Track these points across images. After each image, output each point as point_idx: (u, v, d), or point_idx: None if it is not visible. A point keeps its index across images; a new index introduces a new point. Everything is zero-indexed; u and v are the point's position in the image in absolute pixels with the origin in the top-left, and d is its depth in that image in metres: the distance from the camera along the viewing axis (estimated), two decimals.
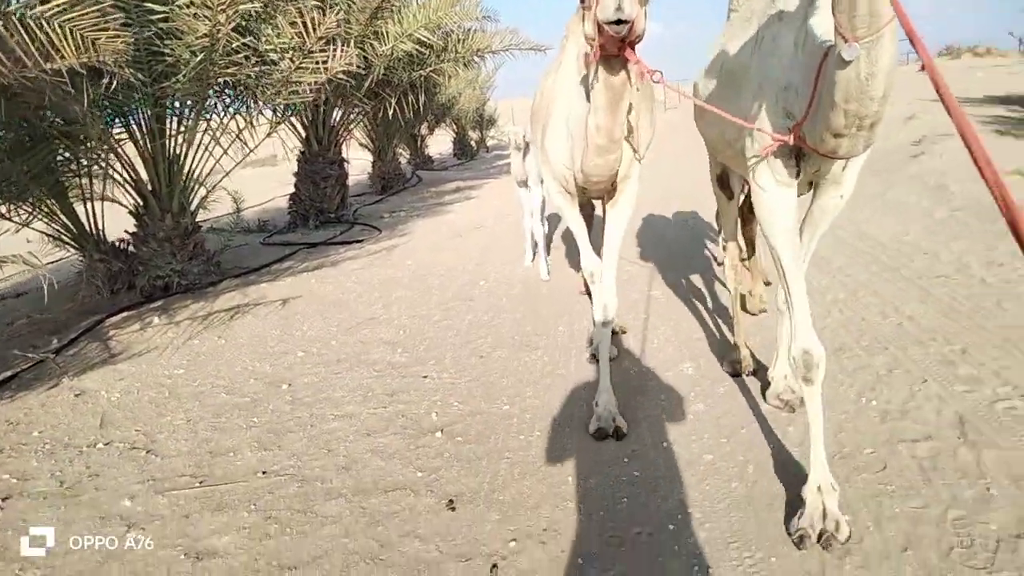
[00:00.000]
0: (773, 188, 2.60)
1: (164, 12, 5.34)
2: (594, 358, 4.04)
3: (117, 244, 6.72)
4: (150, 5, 5.28)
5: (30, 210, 6.21)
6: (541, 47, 11.19)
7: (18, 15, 3.73)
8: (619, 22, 2.29)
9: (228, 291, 6.43)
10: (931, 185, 8.59)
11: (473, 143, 22.18)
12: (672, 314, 4.85)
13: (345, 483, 3.00)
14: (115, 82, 4.85)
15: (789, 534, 2.39)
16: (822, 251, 5.42)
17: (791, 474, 2.76)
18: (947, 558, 2.21)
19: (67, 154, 6.26)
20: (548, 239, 6.67)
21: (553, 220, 7.70)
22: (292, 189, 10.21)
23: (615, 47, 2.52)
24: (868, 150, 2.34)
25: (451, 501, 2.80)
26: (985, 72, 18.27)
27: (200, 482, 3.11)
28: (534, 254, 6.54)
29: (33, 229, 6.37)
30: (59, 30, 3.83)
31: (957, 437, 2.86)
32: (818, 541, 2.31)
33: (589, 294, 4.32)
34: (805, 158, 2.52)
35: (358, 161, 14.03)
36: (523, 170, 6.25)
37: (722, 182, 3.91)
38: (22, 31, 3.76)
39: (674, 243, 7.00)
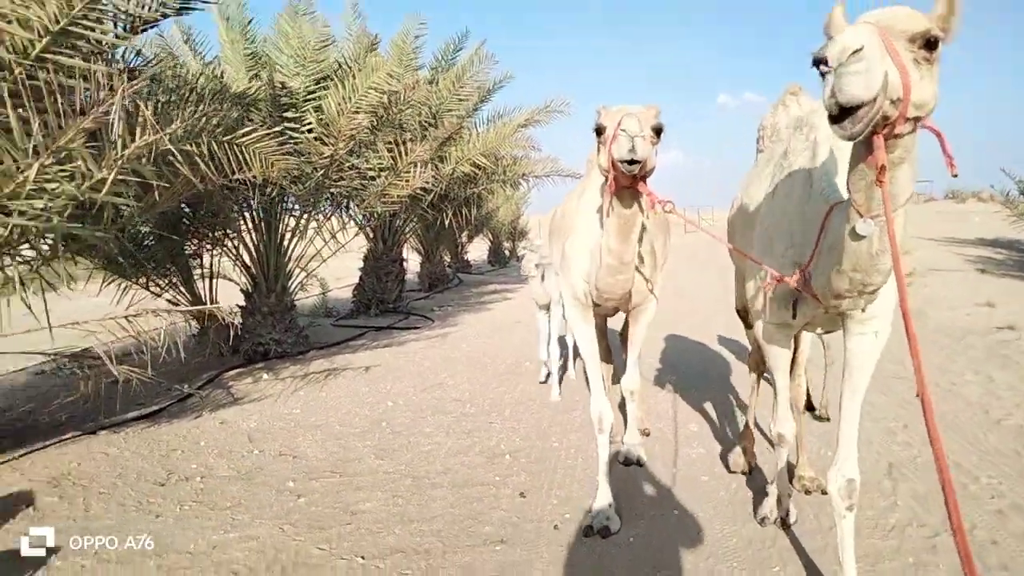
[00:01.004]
0: (764, 325, 2.84)
1: (300, 138, 7.00)
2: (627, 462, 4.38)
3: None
4: (292, 134, 6.95)
5: (163, 284, 7.71)
6: (577, 174, 12.95)
7: (227, 139, 5.32)
8: (632, 162, 2.60)
9: (316, 359, 7.78)
10: (913, 312, 9.87)
11: (507, 251, 24.01)
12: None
13: (444, 480, 4.23)
14: (275, 190, 6.43)
15: None
16: None
17: None
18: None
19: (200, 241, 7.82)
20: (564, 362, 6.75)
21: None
22: (356, 281, 11.78)
23: (627, 180, 2.78)
24: None
25: (522, 493, 4.01)
26: (982, 217, 19.73)
27: (339, 475, 4.35)
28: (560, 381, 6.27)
29: (163, 299, 7.84)
30: (251, 152, 5.43)
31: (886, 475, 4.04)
32: None
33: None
34: (801, 302, 2.63)
35: (407, 263, 15.69)
36: (545, 292, 6.10)
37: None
38: (227, 150, 5.33)
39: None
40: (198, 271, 8.10)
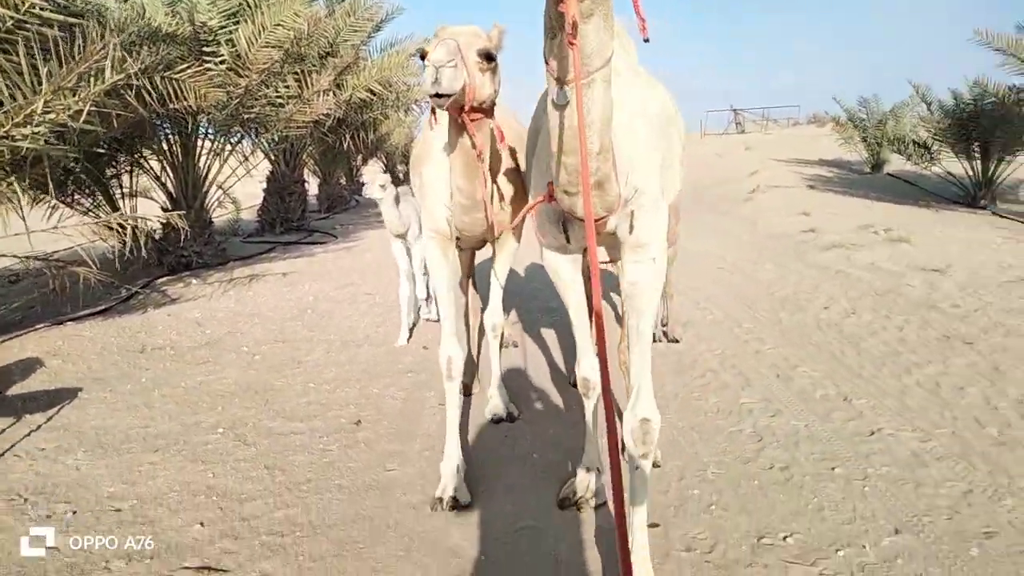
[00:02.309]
0: (547, 252, 2.64)
1: (216, 70, 7.87)
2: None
3: (152, 231, 9.02)
4: (209, 67, 7.81)
5: (89, 204, 8.45)
6: None
7: (161, 75, 6.24)
8: (438, 95, 2.27)
9: (236, 268, 8.86)
10: (746, 219, 12.06)
11: (400, 175, 24.89)
12: None
13: (366, 342, 5.63)
14: (198, 117, 7.35)
15: None
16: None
17: None
18: None
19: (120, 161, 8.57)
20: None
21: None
22: (260, 202, 12.64)
23: (455, 112, 2.51)
24: (643, 217, 2.29)
25: (425, 347, 5.47)
26: (829, 140, 21.99)
27: (282, 342, 5.66)
28: (411, 329, 5.77)
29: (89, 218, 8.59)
30: (187, 85, 6.37)
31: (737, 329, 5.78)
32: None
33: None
34: (571, 224, 2.43)
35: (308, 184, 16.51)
36: (399, 222, 5.56)
37: None
38: (167, 84, 6.27)
39: None
40: (118, 191, 8.86)
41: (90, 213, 8.42)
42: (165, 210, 9.04)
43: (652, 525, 2.80)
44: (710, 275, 7.74)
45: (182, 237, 8.84)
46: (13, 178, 4.81)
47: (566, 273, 2.65)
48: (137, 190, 9.00)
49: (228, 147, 9.15)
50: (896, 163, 16.09)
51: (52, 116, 4.51)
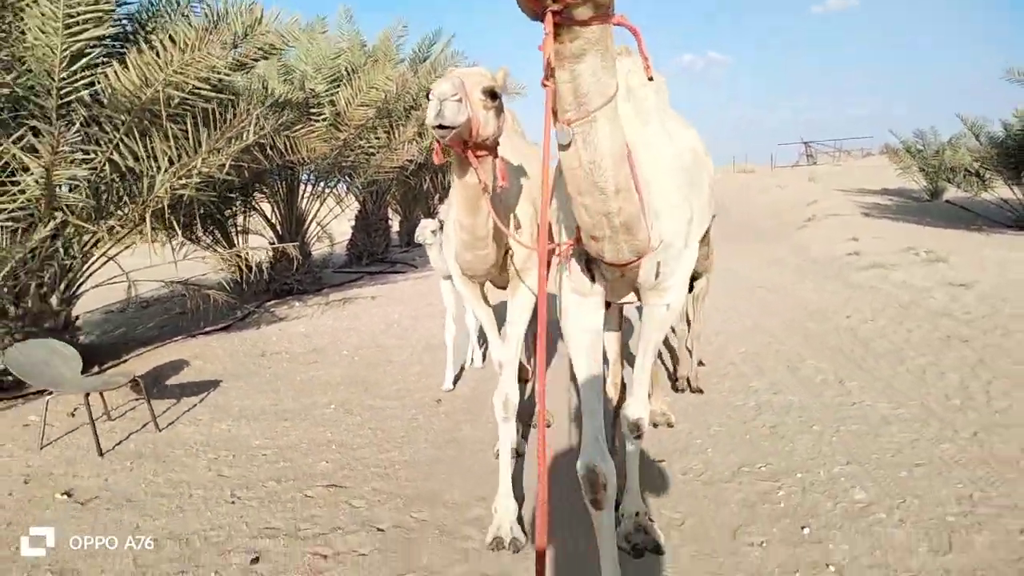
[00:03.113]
0: (566, 293, 2.56)
1: (322, 128, 9.32)
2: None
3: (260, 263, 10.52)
4: (315, 125, 9.28)
5: (209, 240, 10.00)
6: (533, 143, 15.40)
7: (281, 133, 7.65)
8: (441, 127, 2.29)
9: (331, 294, 10.21)
10: (796, 246, 12.73)
11: None
12: None
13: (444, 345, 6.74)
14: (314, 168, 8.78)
15: None
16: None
17: None
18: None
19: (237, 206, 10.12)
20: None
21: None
22: (348, 237, 14.16)
23: (459, 148, 2.51)
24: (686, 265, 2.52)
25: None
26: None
27: (376, 347, 6.83)
28: (458, 372, 5.80)
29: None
30: (300, 141, 7.78)
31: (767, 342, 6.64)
32: None
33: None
34: (597, 265, 2.43)
35: (391, 222, 18.10)
36: (444, 264, 4.99)
37: None
38: (286, 140, 7.68)
39: None
40: (233, 229, 10.42)
41: (211, 248, 9.98)
42: (275, 243, 10.55)
43: (659, 461, 3.76)
44: (750, 295, 8.54)
45: (287, 267, 10.29)
46: (171, 218, 6.20)
47: (582, 318, 2.54)
48: (248, 228, 10.55)
49: (326, 190, 10.60)
50: (956, 191, 16.34)
51: (205, 170, 5.87)
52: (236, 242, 10.37)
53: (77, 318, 6.50)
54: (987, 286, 7.51)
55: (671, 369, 5.59)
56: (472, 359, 6.19)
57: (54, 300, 6.00)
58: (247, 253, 10.39)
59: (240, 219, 10.35)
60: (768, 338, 6.42)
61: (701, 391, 5.00)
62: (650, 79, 1.96)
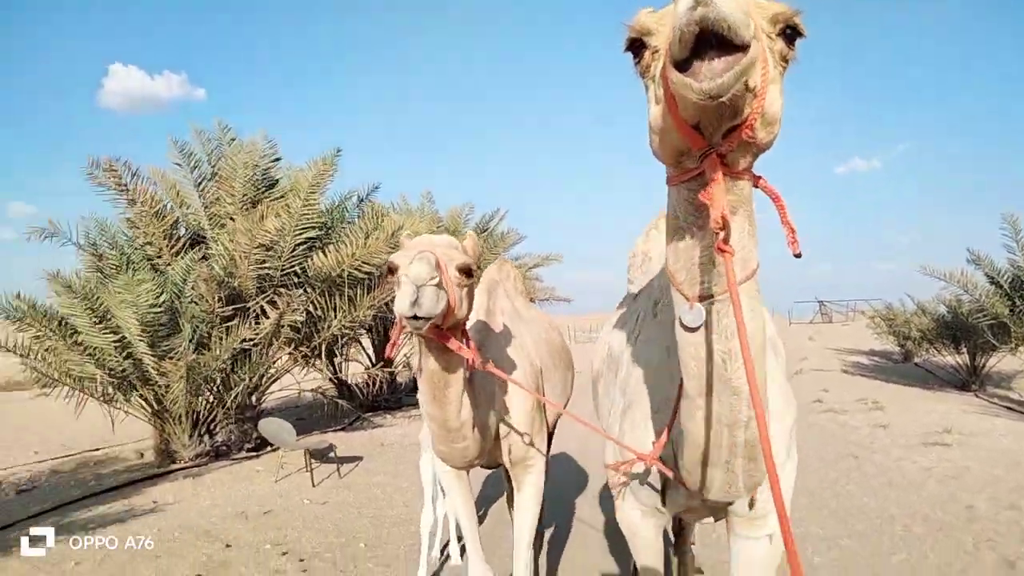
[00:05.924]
0: (628, 508, 2.17)
1: None
2: None
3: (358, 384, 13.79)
4: None
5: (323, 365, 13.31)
6: (569, 299, 18.92)
7: None
8: (415, 317, 2.06)
9: (412, 410, 13.29)
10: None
11: None
12: None
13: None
14: None
15: None
16: None
17: None
18: None
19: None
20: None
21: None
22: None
23: (432, 334, 2.28)
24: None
25: None
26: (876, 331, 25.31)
27: None
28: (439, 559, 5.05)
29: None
30: None
31: None
32: None
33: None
34: (675, 487, 1.96)
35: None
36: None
37: None
38: None
39: None
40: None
41: (322, 371, 13.30)
42: (373, 366, 13.86)
43: None
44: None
45: (379, 389, 13.52)
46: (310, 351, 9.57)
47: (649, 536, 2.19)
48: (347, 355, 13.90)
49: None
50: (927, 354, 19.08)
51: (361, 318, 9.28)
52: (339, 368, 13.72)
53: (263, 409, 9.74)
54: (896, 426, 10.29)
55: None
56: (448, 554, 5.07)
57: (253, 397, 9.27)
58: (347, 377, 13.81)
59: (345, 349, 13.72)
60: None
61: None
62: (798, 256, 1.50)
